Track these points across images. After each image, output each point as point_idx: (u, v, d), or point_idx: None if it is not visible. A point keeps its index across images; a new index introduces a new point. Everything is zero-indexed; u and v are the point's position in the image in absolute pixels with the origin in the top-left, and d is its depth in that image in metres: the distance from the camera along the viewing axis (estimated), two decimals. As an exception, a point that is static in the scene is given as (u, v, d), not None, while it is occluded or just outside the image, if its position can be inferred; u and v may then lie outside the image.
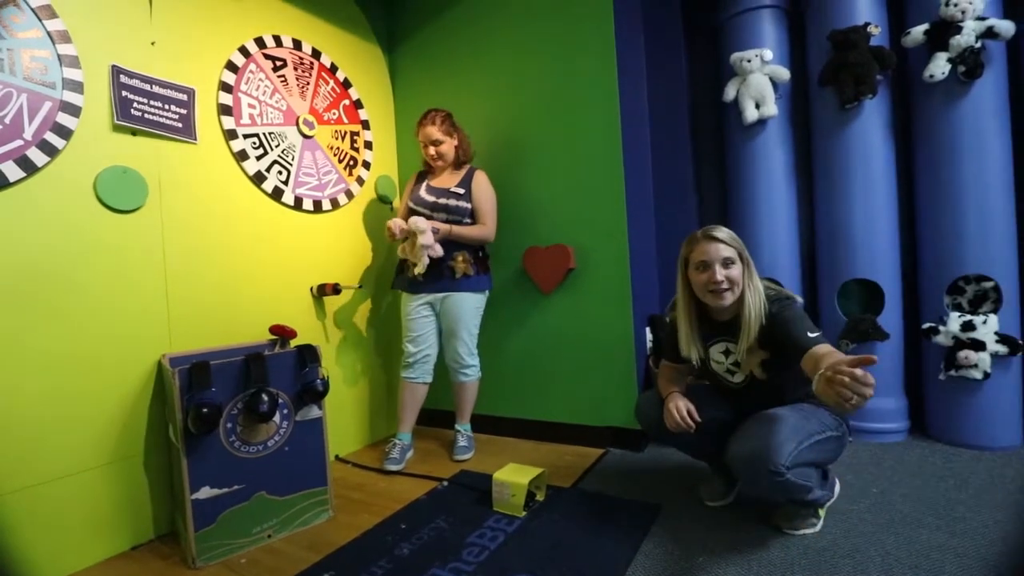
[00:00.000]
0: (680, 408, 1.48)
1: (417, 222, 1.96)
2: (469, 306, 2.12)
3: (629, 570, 1.29)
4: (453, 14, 2.49)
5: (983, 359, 1.82)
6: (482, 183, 2.15)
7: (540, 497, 1.70)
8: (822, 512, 1.44)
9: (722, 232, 1.43)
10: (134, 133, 1.64)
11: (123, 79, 1.61)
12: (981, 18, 1.79)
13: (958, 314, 1.88)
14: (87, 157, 1.53)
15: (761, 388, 1.47)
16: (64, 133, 1.48)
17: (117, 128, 1.60)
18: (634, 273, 2.10)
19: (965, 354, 1.83)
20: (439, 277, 2.06)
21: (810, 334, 1.28)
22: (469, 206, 2.11)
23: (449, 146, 2.13)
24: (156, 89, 1.68)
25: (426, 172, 2.22)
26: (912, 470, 1.75)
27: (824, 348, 1.22)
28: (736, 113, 2.24)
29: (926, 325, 1.96)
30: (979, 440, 1.87)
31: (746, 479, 1.34)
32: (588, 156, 2.15)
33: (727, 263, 1.39)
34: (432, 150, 2.11)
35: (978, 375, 1.83)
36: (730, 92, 2.23)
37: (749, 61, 2.15)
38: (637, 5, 2.25)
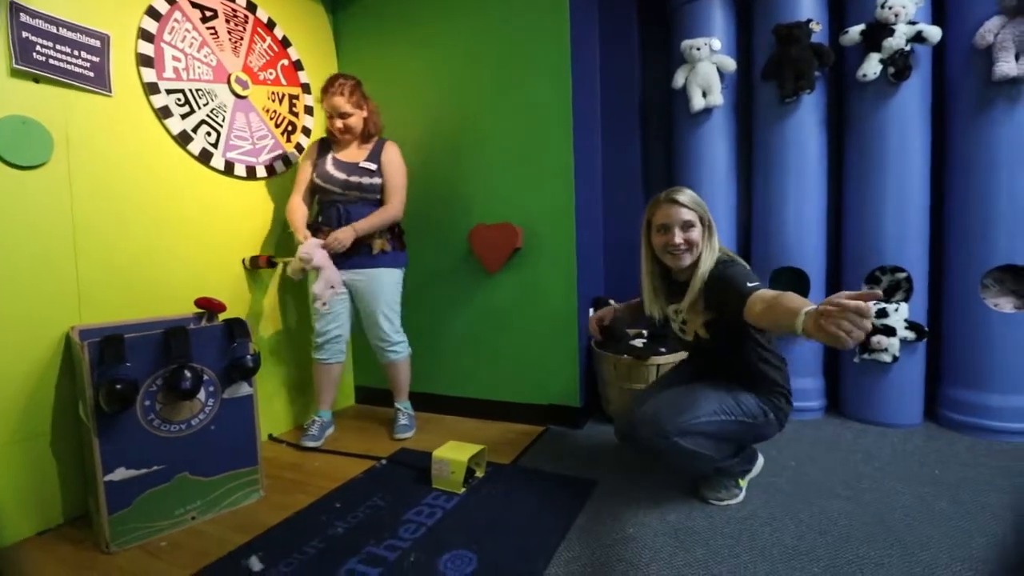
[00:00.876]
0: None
1: (306, 256, 1.84)
2: (388, 282, 2.05)
3: (563, 543, 1.32)
4: (403, -24, 2.37)
5: (893, 344, 1.96)
6: (393, 157, 2.04)
7: (480, 474, 1.70)
8: (743, 483, 1.52)
9: (684, 195, 1.44)
10: (36, 80, 1.47)
11: (23, 18, 1.43)
12: (912, 22, 1.89)
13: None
14: (-22, 104, 1.36)
15: (710, 348, 1.51)
16: (-51, 74, 1.31)
17: (16, 73, 1.43)
18: (580, 254, 2.11)
19: (878, 339, 1.97)
20: (355, 254, 1.98)
21: (749, 284, 1.27)
22: (381, 181, 2.01)
23: (358, 118, 1.99)
24: (63, 32, 1.51)
25: (330, 141, 2.06)
26: (827, 445, 1.88)
27: (770, 292, 1.20)
28: (684, 100, 2.27)
29: (846, 311, 2.09)
30: (886, 418, 2.04)
31: (637, 437, 1.41)
32: (538, 136, 2.12)
33: (686, 226, 1.42)
34: (339, 123, 1.96)
35: (888, 358, 1.98)
36: (679, 79, 2.26)
37: (698, 49, 2.18)
38: (592, -17, 2.22)
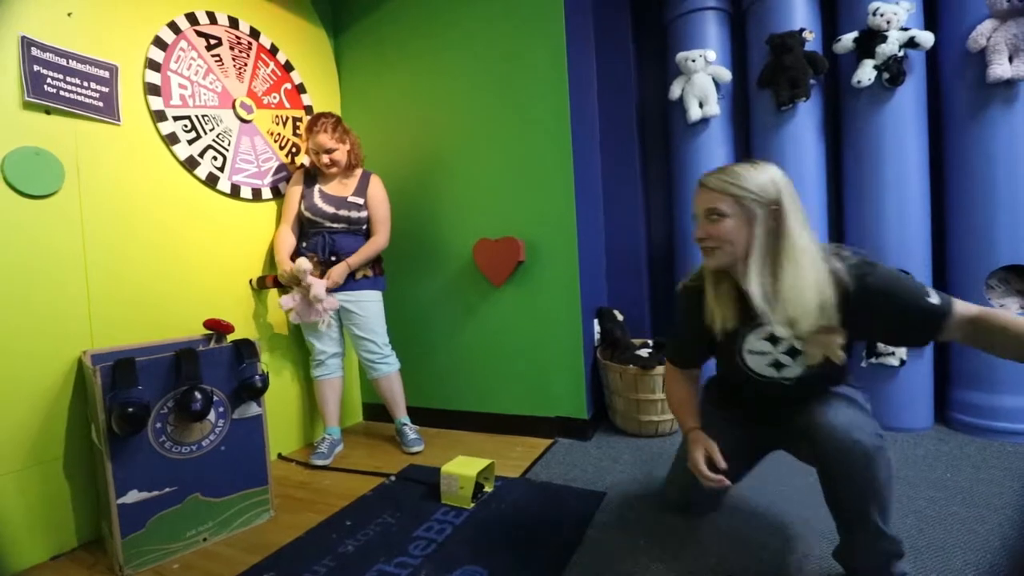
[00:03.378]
0: (699, 461, 1.16)
1: (314, 285, 1.93)
2: (373, 304, 2.13)
3: (574, 556, 1.32)
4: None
5: (900, 347, 1.96)
6: (378, 191, 2.14)
7: (488, 488, 1.70)
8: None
9: (715, 179, 1.11)
10: (48, 111, 1.51)
11: (34, 52, 1.47)
12: (904, 28, 1.91)
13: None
14: (-8, 136, 1.40)
15: (813, 384, 1.17)
16: (-36, 109, 1.35)
17: (28, 106, 1.47)
18: (582, 266, 2.13)
19: (884, 343, 1.97)
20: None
21: (932, 300, 1.00)
22: (367, 214, 2.10)
23: (342, 152, 2.06)
24: (73, 64, 1.56)
25: (315, 173, 2.13)
26: (836, 451, 1.87)
27: (976, 309, 0.99)
28: (681, 111, 2.30)
29: (851, 316, 2.09)
30: (895, 422, 2.02)
31: (839, 449, 1.02)
32: (538, 150, 2.15)
33: (711, 215, 1.10)
34: (326, 158, 2.03)
35: (895, 362, 1.97)
36: (675, 91, 2.29)
37: (694, 61, 2.21)
38: (588, 1, 2.26)
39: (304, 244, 2.08)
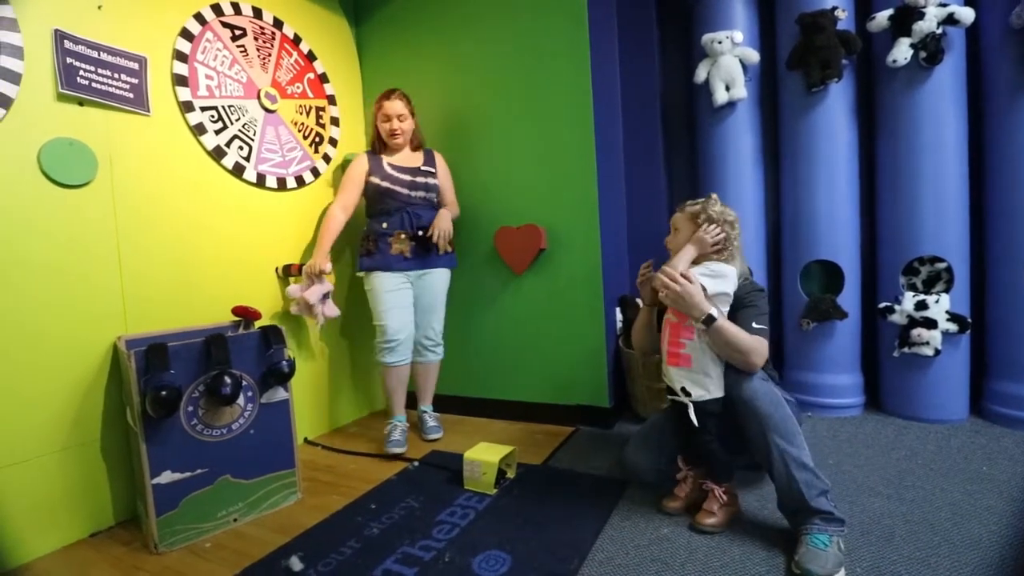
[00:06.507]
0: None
1: (308, 297, 2.01)
2: (445, 281, 2.18)
3: (597, 542, 1.32)
4: (422, -14, 2.41)
5: (934, 336, 1.89)
6: (444, 164, 2.23)
7: (511, 475, 1.71)
8: (843, 547, 1.19)
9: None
10: (81, 103, 1.55)
11: (67, 45, 1.51)
12: (943, 4, 1.83)
13: (912, 294, 1.95)
14: (29, 128, 1.44)
15: None
16: (3, 101, 1.38)
17: (62, 97, 1.51)
18: (605, 254, 2.11)
19: (918, 332, 1.91)
20: (426, 253, 2.08)
21: (755, 324, 1.34)
22: (437, 183, 2.15)
23: (411, 124, 2.12)
24: (104, 56, 1.59)
25: (376, 152, 2.14)
26: (866, 442, 1.83)
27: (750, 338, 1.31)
28: (706, 95, 2.25)
29: (882, 304, 2.04)
30: (929, 414, 1.97)
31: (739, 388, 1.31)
32: (560, 136, 2.13)
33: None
34: (397, 124, 2.07)
35: (929, 352, 1.91)
36: (701, 74, 2.23)
37: (720, 43, 2.15)
38: (610, -18, 2.22)
39: (384, 225, 2.04)
